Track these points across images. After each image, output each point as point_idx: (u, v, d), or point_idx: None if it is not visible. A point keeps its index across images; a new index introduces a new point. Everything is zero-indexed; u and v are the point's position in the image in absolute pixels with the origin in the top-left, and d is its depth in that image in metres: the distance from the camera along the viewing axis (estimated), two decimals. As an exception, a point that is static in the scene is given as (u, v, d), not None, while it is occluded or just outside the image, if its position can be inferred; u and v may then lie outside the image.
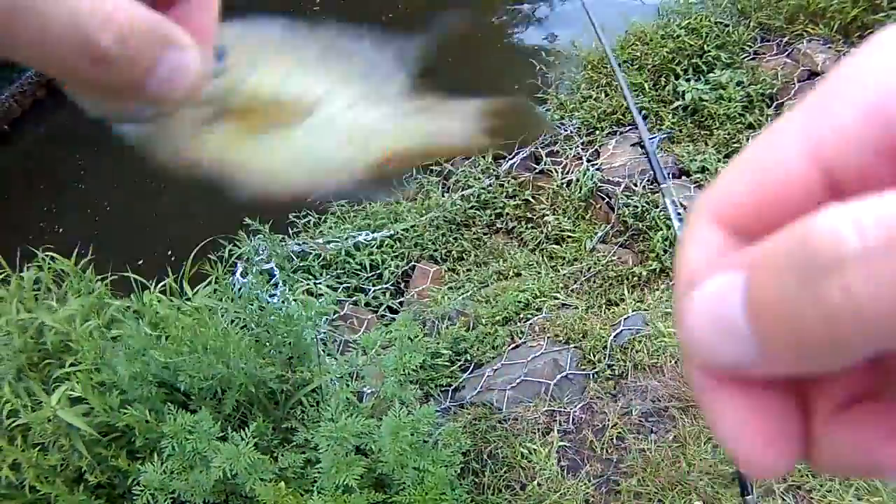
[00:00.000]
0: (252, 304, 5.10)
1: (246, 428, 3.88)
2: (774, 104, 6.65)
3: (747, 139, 6.40)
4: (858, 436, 0.42)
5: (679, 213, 5.12)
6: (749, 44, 7.17)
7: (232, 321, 4.84)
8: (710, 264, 0.42)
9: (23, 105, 18.72)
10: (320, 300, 4.95)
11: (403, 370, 4.18)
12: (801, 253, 0.35)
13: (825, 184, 0.41)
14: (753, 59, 7.14)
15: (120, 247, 6.85)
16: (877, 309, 0.32)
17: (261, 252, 6.14)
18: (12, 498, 4.25)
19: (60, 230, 6.18)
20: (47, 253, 5.52)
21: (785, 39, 7.19)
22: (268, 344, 4.75)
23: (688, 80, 6.88)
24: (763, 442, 0.43)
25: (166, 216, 9.69)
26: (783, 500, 4.16)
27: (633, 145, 6.80)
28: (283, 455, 4.06)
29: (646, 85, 7.07)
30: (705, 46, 7.03)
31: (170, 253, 6.53)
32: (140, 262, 5.73)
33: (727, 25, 7.25)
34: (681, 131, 6.75)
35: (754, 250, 0.39)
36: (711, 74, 6.86)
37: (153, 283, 5.35)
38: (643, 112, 6.84)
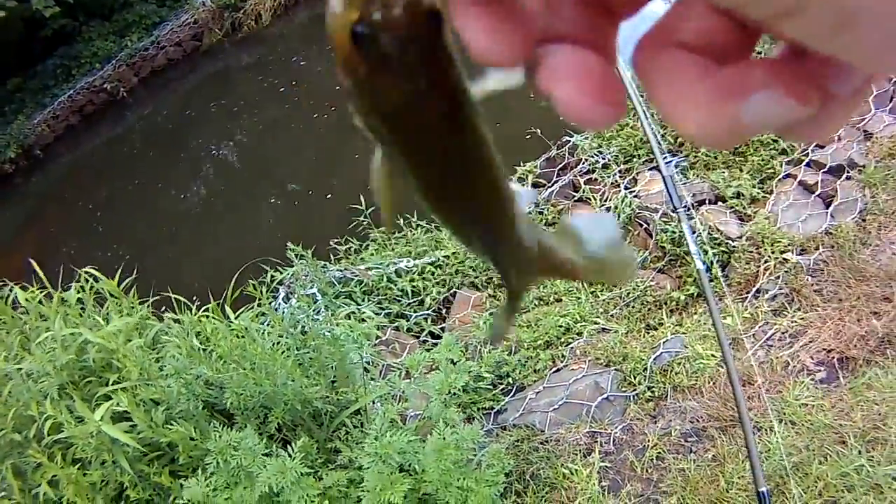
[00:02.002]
0: (295, 328, 5.12)
1: (291, 446, 3.89)
2: (808, 131, 6.63)
3: (780, 165, 6.44)
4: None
5: (696, 237, 5.14)
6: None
7: (275, 343, 4.86)
8: None
9: (55, 130, 18.93)
10: (363, 324, 4.96)
11: (449, 391, 4.18)
12: None
13: None
14: (786, 84, 7.11)
15: (158, 271, 6.89)
16: None
17: (303, 277, 6.17)
18: (50, 515, 4.26)
19: (99, 254, 6.21)
20: (89, 271, 5.56)
21: (817, 63, 7.16)
22: (312, 366, 4.76)
23: (724, 107, 6.86)
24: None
25: (204, 242, 9.74)
26: None
27: (650, 170, 6.81)
28: (327, 474, 4.07)
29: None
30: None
31: (210, 277, 6.56)
32: (180, 286, 5.74)
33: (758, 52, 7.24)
34: (716, 158, 6.74)
35: None
36: (747, 100, 6.84)
37: (195, 307, 5.38)
38: (678, 139, 6.84)
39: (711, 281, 5.54)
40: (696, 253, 3.68)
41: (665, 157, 4.06)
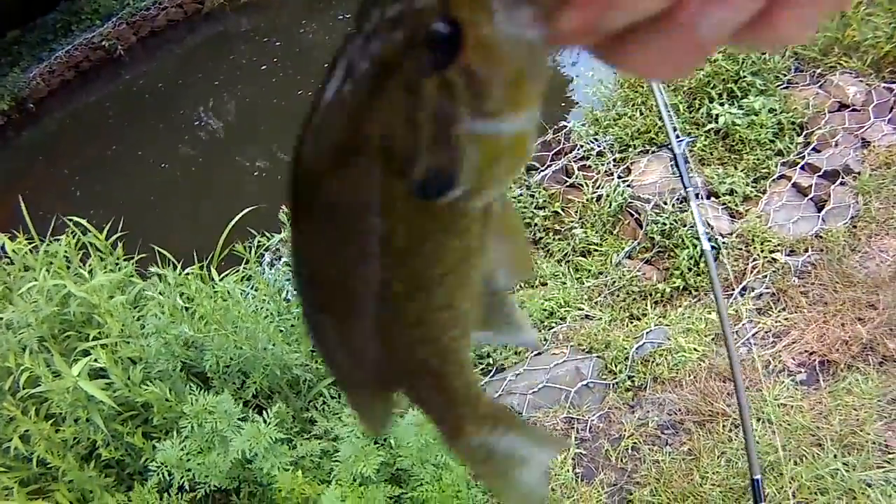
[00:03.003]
0: (280, 294, 5.11)
1: (267, 413, 3.87)
2: (804, 133, 6.65)
3: (776, 165, 6.44)
4: None
5: (691, 227, 5.12)
6: (783, 72, 7.18)
7: (258, 308, 4.84)
8: None
9: (50, 84, 18.84)
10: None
11: None
12: None
13: None
14: (787, 87, 7.14)
15: (145, 231, 6.85)
16: None
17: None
18: (18, 470, 4.23)
19: (86, 212, 6.18)
20: (78, 221, 5.53)
21: (818, 71, 7.20)
22: (293, 333, 4.74)
23: (722, 105, 6.88)
24: None
25: (193, 205, 9.70)
26: None
27: (659, 147, 6.82)
28: (301, 444, 4.07)
29: (680, 106, 7.07)
30: (741, 72, 7.04)
31: (197, 239, 6.53)
32: (166, 247, 5.71)
33: (763, 53, 7.24)
34: (711, 154, 6.74)
35: None
36: (745, 100, 6.86)
37: (180, 266, 5.36)
38: (676, 132, 6.84)
39: (716, 262, 5.58)
40: (704, 234, 3.66)
41: (678, 137, 4.05)
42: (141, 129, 14.99)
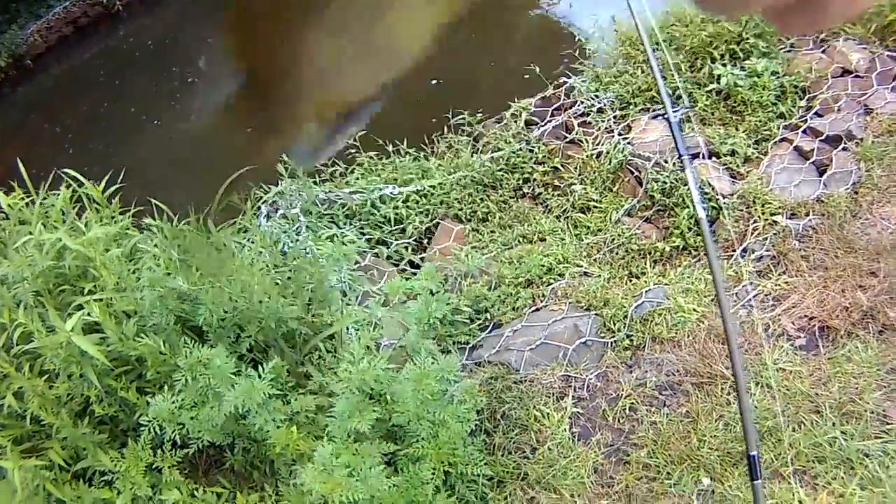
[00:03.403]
0: (276, 247, 5.08)
1: (262, 367, 3.84)
2: (806, 97, 6.62)
3: (777, 128, 6.41)
4: None
5: (699, 184, 5.10)
6: (787, 36, 7.11)
7: (254, 260, 4.81)
8: None
9: (48, 41, 18.72)
10: (344, 247, 4.91)
11: (428, 321, 4.14)
12: None
13: None
14: (790, 51, 7.11)
15: (143, 186, 6.80)
16: None
17: (287, 196, 6.11)
18: (12, 428, 4.20)
19: (82, 168, 6.12)
20: (74, 175, 5.48)
21: (822, 36, 7.16)
22: (290, 286, 4.71)
23: (724, 65, 6.84)
24: None
25: (191, 159, 9.64)
26: (790, 483, 4.15)
27: (654, 118, 6.78)
28: (296, 399, 4.05)
29: (682, 66, 7.03)
30: (744, 34, 6.99)
31: (194, 194, 6.47)
32: (162, 201, 5.66)
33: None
34: (713, 114, 6.71)
35: None
36: (748, 62, 6.84)
37: (177, 218, 5.32)
38: (677, 92, 6.80)
39: (711, 229, 5.56)
40: (699, 201, 3.62)
41: (674, 106, 4.01)
42: (138, 86, 14.89)
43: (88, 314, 4.21)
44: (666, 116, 3.83)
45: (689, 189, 5.63)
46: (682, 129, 6.51)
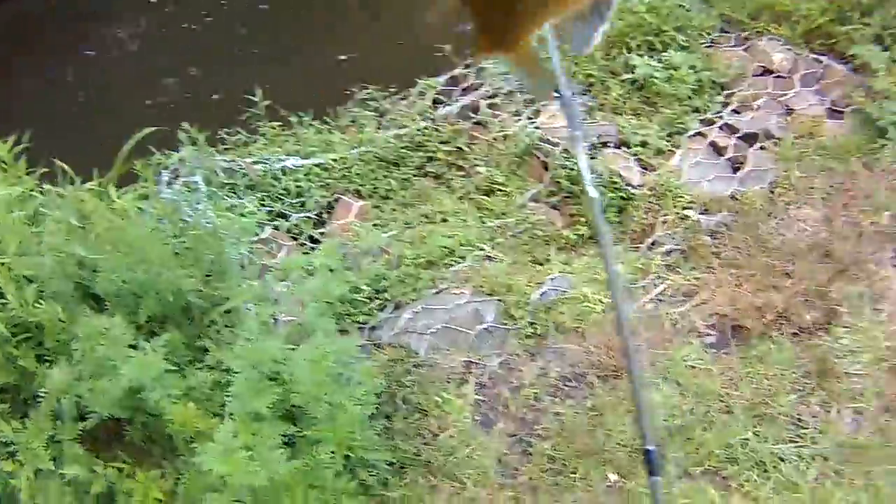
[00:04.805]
0: (175, 215, 4.90)
1: (157, 338, 3.70)
2: (725, 92, 6.60)
3: (693, 122, 6.38)
4: None
5: (590, 165, 5.01)
6: (708, 31, 7.13)
7: (152, 230, 4.62)
8: None
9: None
10: (244, 219, 4.75)
11: (326, 299, 4.04)
12: None
13: None
14: (710, 46, 7.09)
15: (49, 145, 6.52)
16: None
17: (189, 164, 5.91)
18: None
19: None
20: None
21: (745, 34, 7.18)
22: (188, 256, 4.53)
23: (640, 56, 6.77)
24: None
25: (97, 117, 9.35)
26: (699, 483, 4.14)
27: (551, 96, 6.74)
28: (192, 374, 3.96)
29: (596, 53, 6.92)
30: (663, 27, 6.95)
31: (98, 158, 6.21)
32: (67, 161, 5.41)
33: (689, 10, 7.16)
34: (625, 104, 6.65)
35: None
36: (665, 54, 6.79)
37: (80, 181, 5.09)
38: (591, 80, 6.73)
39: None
40: (589, 181, 3.47)
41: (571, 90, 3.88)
42: (45, 43, 14.48)
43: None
44: (559, 92, 3.70)
45: (595, 177, 5.54)
46: (593, 116, 6.46)
